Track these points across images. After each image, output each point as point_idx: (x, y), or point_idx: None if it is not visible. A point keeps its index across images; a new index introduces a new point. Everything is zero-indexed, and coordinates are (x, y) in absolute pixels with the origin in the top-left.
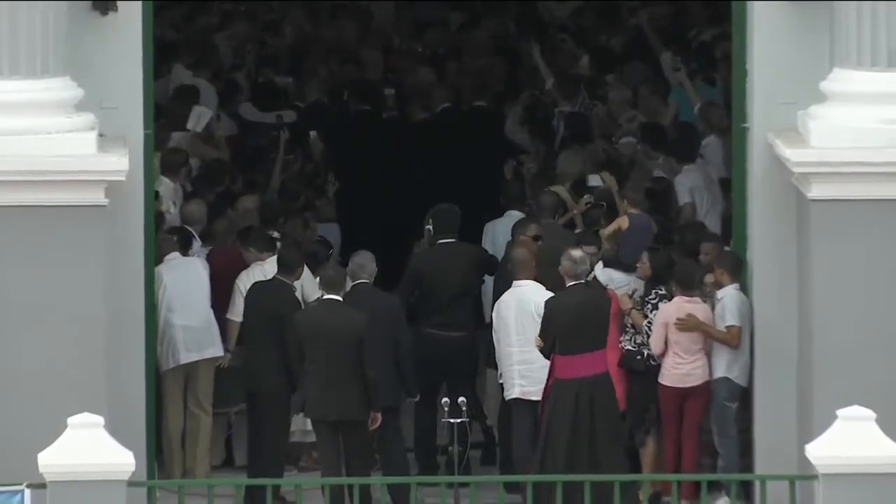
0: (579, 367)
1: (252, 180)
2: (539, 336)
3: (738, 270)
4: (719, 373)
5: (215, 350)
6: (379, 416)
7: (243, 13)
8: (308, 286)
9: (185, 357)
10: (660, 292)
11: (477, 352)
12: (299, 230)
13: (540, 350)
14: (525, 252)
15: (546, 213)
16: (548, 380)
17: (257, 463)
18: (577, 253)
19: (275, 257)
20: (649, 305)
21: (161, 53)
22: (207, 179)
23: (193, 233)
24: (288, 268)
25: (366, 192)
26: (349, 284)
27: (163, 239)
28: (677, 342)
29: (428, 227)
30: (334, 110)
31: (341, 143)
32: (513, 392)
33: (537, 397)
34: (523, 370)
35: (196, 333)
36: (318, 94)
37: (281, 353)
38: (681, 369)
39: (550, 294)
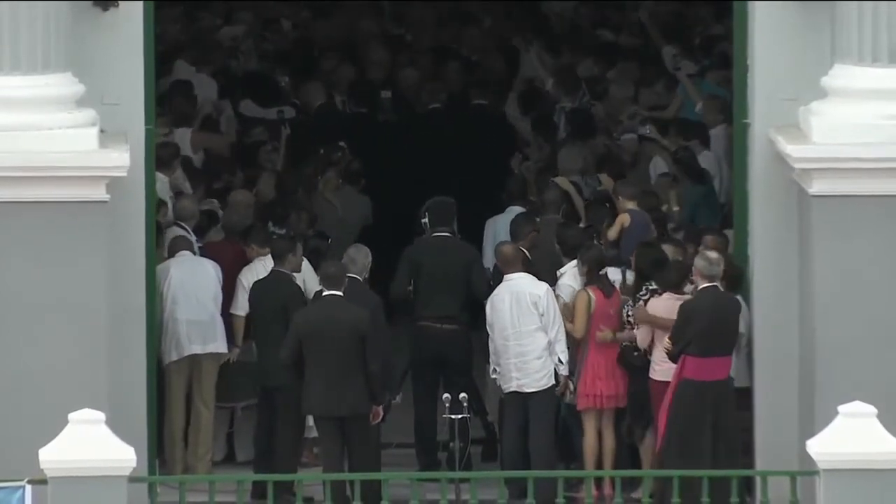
0: (710, 370)
1: (251, 177)
2: (670, 338)
3: (738, 283)
4: None
5: (218, 345)
6: (380, 410)
7: (245, 9)
8: (311, 282)
9: (189, 349)
10: (650, 287)
11: (470, 345)
12: (303, 226)
13: (667, 353)
14: (510, 248)
15: (550, 208)
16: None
17: (269, 456)
18: (712, 254)
19: None
20: (641, 301)
21: (165, 52)
22: (208, 175)
23: (188, 228)
24: (281, 257)
25: (373, 193)
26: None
27: (177, 237)
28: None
29: (424, 220)
30: (335, 112)
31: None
32: (510, 385)
33: (529, 389)
34: (518, 363)
35: (200, 327)
36: (321, 96)
37: None
38: (668, 363)
39: (544, 284)
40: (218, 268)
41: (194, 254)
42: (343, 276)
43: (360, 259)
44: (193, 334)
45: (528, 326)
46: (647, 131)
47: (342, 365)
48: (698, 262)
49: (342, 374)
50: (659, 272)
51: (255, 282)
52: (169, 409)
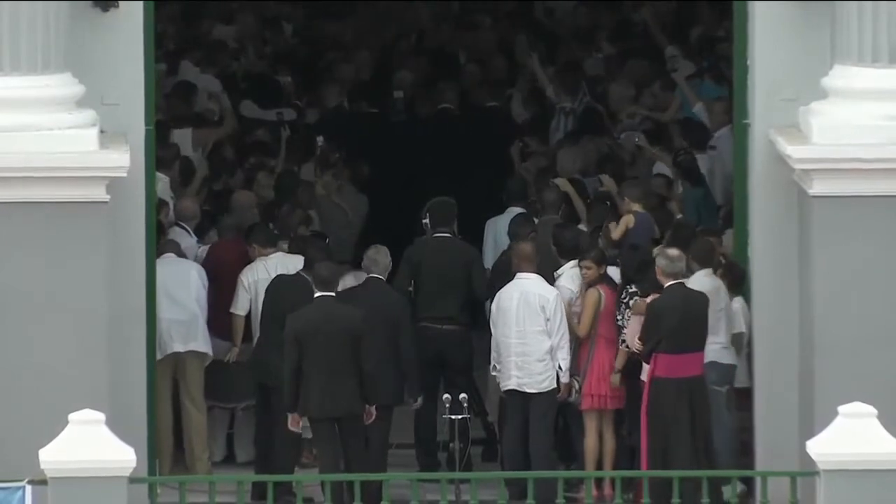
0: (682, 367)
1: (250, 177)
2: (640, 338)
3: (707, 258)
4: (706, 358)
5: (199, 344)
6: (373, 410)
7: (245, 10)
8: None
9: (171, 347)
10: (630, 290)
11: (470, 346)
12: (294, 223)
13: (639, 353)
14: (530, 247)
15: (549, 209)
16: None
17: (269, 456)
18: (672, 251)
19: (278, 252)
20: (622, 305)
21: (173, 52)
22: (208, 174)
23: (188, 229)
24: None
25: (374, 193)
26: (363, 277)
27: (166, 241)
28: None
29: (425, 220)
30: (347, 113)
31: (350, 146)
32: (509, 383)
33: (531, 390)
34: (520, 362)
35: (180, 326)
36: (337, 98)
37: None
38: None
39: (554, 289)
40: (202, 270)
41: (180, 255)
42: (336, 278)
43: (381, 259)
44: (175, 333)
45: (533, 328)
46: (637, 139)
47: (337, 366)
48: (660, 262)
49: (337, 374)
50: (642, 275)
51: (277, 277)
52: (156, 408)
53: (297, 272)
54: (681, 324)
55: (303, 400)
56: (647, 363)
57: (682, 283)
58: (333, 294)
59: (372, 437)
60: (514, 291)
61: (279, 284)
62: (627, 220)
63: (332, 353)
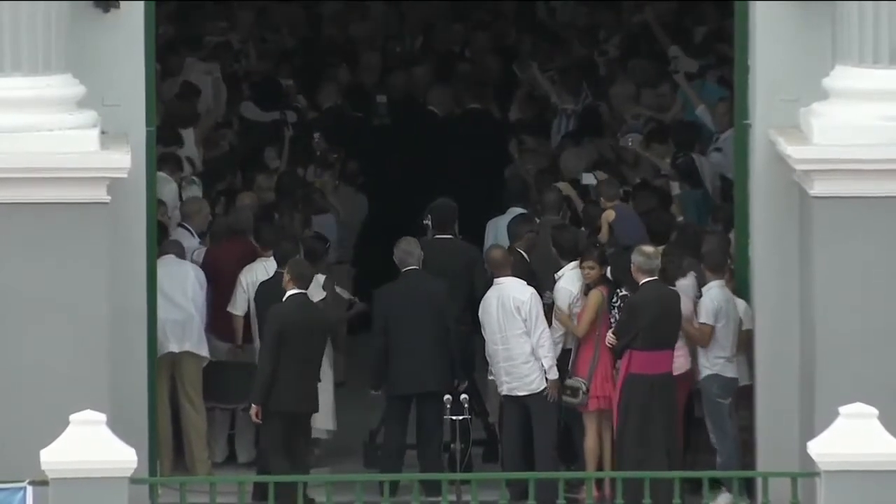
0: (655, 363)
1: (251, 177)
2: (614, 333)
3: (721, 266)
4: (708, 370)
5: (193, 345)
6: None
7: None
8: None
9: (166, 347)
10: (621, 293)
11: (472, 347)
12: (297, 227)
13: (611, 348)
14: (499, 251)
15: (550, 210)
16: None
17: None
18: (648, 248)
19: None
20: (615, 309)
21: (171, 51)
22: (210, 175)
23: (191, 230)
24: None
25: (373, 194)
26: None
27: (167, 241)
28: None
29: (426, 222)
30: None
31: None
32: (502, 389)
33: (521, 392)
34: (507, 367)
35: (176, 326)
36: (332, 100)
37: None
38: None
39: (530, 289)
40: (199, 271)
41: (181, 256)
42: (311, 276)
43: (414, 250)
44: (170, 333)
45: (514, 331)
46: (630, 143)
47: (313, 362)
48: (636, 259)
49: (312, 371)
50: (632, 276)
51: (261, 283)
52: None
53: (276, 272)
54: (656, 321)
55: (277, 395)
56: (619, 359)
57: (658, 281)
58: (306, 291)
59: (431, 426)
60: (493, 297)
61: (265, 291)
62: (607, 216)
63: (307, 350)
